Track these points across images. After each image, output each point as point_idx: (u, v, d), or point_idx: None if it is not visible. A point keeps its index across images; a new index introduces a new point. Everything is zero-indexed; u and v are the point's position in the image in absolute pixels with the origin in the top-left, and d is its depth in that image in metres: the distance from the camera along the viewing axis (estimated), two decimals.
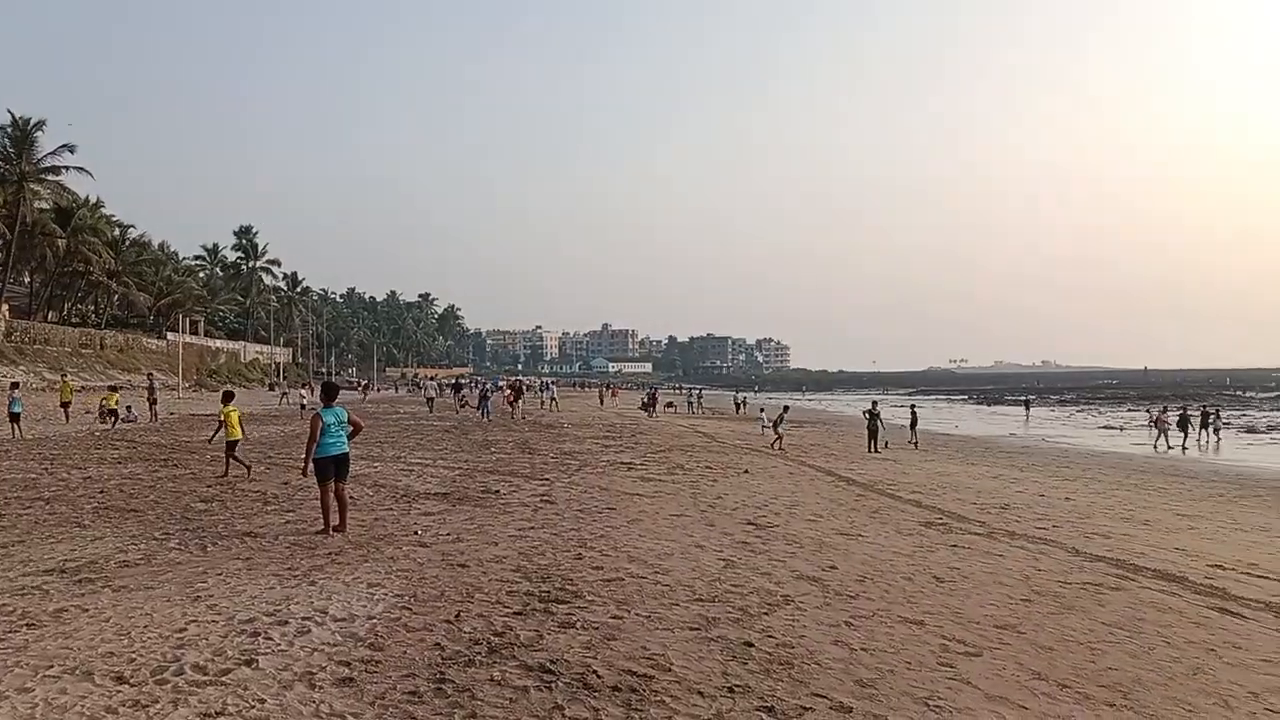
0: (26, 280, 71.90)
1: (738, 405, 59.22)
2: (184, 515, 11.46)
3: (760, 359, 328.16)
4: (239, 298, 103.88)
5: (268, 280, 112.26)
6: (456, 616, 6.73)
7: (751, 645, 6.24)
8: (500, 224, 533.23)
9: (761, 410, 40.91)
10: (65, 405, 31.77)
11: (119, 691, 5.08)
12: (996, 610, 7.61)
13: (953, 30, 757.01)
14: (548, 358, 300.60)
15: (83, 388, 43.36)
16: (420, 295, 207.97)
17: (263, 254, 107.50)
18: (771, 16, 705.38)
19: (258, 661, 5.60)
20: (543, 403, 52.00)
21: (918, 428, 31.57)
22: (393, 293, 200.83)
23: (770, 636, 6.49)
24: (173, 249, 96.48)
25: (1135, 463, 27.91)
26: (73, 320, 71.14)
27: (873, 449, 26.65)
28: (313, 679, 5.31)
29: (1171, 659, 6.42)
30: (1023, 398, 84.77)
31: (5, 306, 56.09)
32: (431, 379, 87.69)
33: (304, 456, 10.40)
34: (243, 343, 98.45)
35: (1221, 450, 34.41)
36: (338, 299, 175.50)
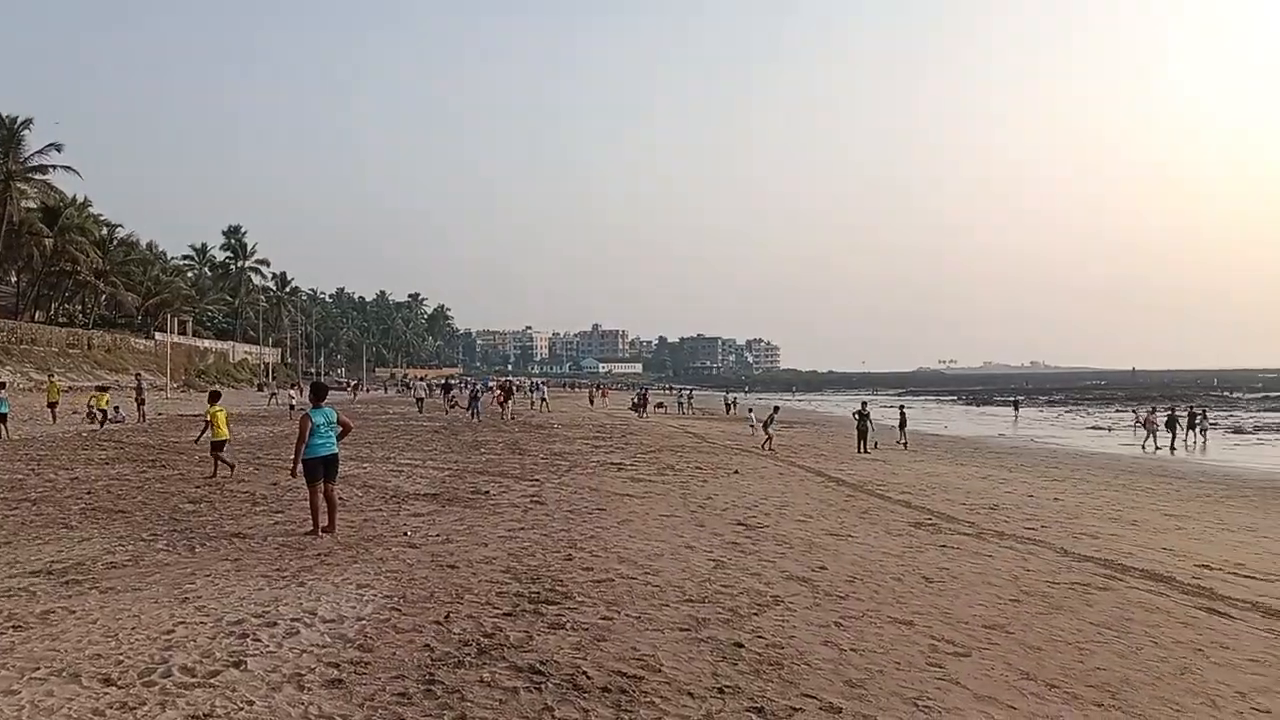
0: (13, 280, 71.52)
1: (728, 406, 59.34)
2: (172, 516, 11.40)
3: (750, 359, 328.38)
4: (228, 298, 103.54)
5: (256, 280, 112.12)
6: (446, 618, 6.72)
7: (741, 646, 6.25)
8: (490, 224, 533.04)
9: (750, 410, 40.94)
10: (52, 406, 31.61)
11: (106, 693, 5.05)
12: (985, 610, 7.64)
13: (939, 30, 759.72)
14: (538, 358, 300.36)
15: (70, 388, 43.15)
16: (410, 295, 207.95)
17: (252, 254, 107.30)
18: (764, 16, 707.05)
19: (246, 663, 5.57)
20: (532, 403, 51.94)
21: (907, 428, 31.64)
22: (382, 293, 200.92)
23: (760, 637, 6.50)
24: (161, 249, 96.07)
25: (1123, 463, 28.04)
26: (60, 320, 70.74)
27: (862, 449, 26.70)
28: (301, 680, 5.30)
29: (1159, 659, 6.45)
30: (1011, 398, 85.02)
31: None
32: (421, 379, 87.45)
33: (293, 457, 10.37)
34: (231, 343, 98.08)
35: (1208, 451, 34.60)
36: (327, 299, 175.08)
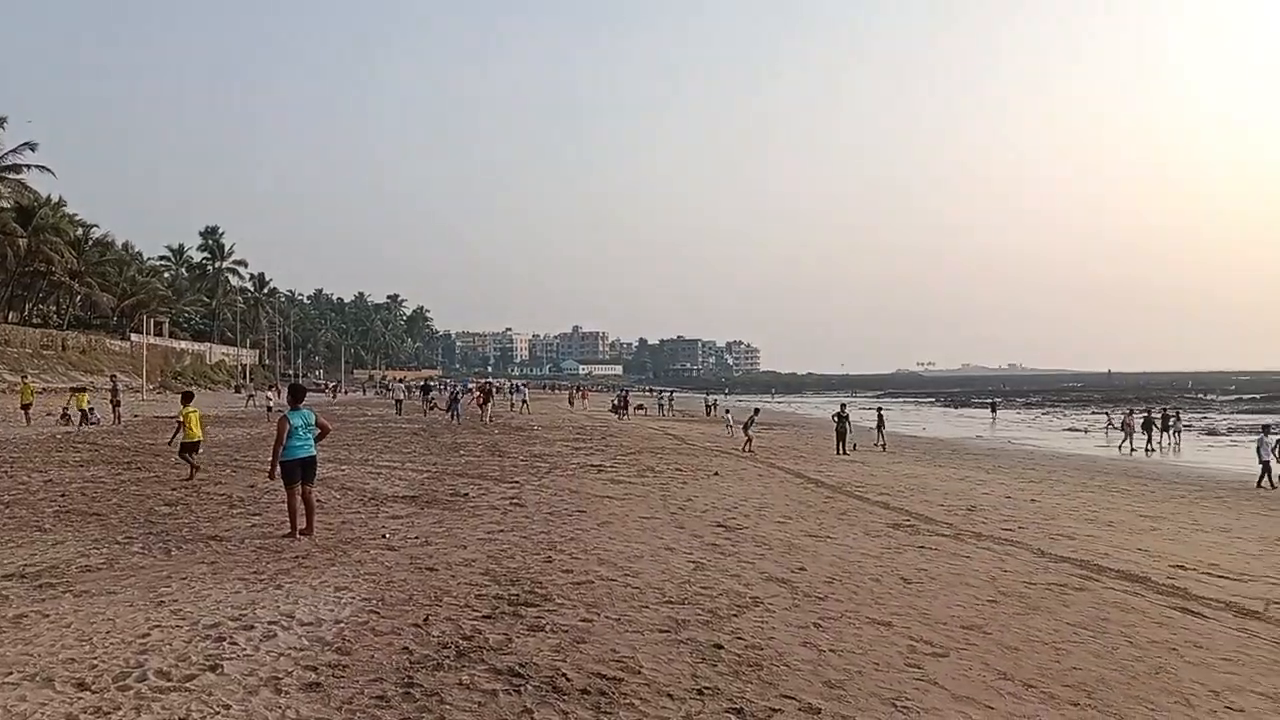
0: None
1: (708, 408, 59.40)
2: (148, 519, 11.31)
3: (730, 362, 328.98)
4: (205, 299, 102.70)
5: (234, 281, 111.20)
6: (425, 620, 6.69)
7: (721, 647, 6.25)
8: (470, 226, 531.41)
9: (727, 412, 41.09)
10: (26, 408, 31.28)
11: (80, 698, 5.00)
12: (963, 611, 7.68)
13: (924, 34, 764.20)
14: (517, 360, 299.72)
15: (44, 389, 42.71)
16: (389, 296, 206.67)
17: (229, 254, 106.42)
18: (759, 19, 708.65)
19: (223, 667, 5.53)
20: (512, 405, 51.84)
21: (885, 430, 31.80)
22: (360, 294, 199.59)
23: (739, 638, 6.51)
24: (137, 249, 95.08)
25: (1099, 465, 28.28)
26: (34, 321, 69.99)
27: (841, 451, 26.81)
28: (279, 684, 5.26)
29: (1134, 658, 6.50)
30: (989, 400, 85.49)
31: None
32: (400, 381, 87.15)
33: (271, 459, 10.31)
34: (208, 344, 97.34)
35: (1182, 452, 34.95)
36: (305, 300, 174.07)
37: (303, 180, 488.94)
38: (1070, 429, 52.00)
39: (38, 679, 5.27)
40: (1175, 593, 8.89)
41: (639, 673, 5.67)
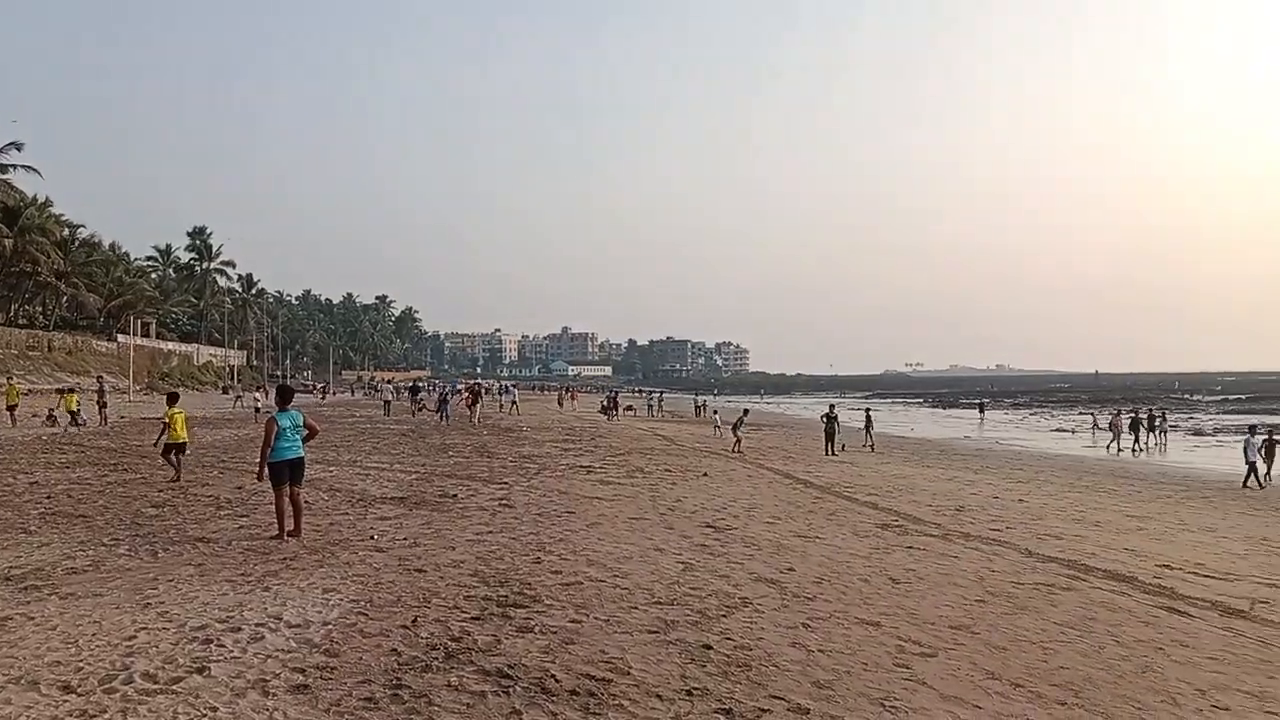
0: None
1: (698, 408, 59.42)
2: (134, 521, 11.25)
3: (719, 362, 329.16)
4: (192, 300, 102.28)
5: (222, 282, 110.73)
6: (413, 622, 6.68)
7: (710, 648, 6.26)
8: (460, 227, 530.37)
9: (715, 412, 41.17)
10: (11, 409, 31.06)
11: (66, 701, 4.97)
12: (951, 611, 7.71)
13: (907, 38, 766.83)
14: (507, 360, 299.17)
15: (30, 391, 42.43)
16: (377, 297, 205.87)
17: (217, 255, 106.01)
18: (753, 24, 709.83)
19: (210, 669, 5.51)
20: (500, 405, 51.77)
21: (873, 430, 31.88)
22: (349, 295, 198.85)
23: (728, 639, 6.51)
24: (124, 249, 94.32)
25: (1086, 465, 28.42)
26: (19, 322, 69.48)
27: (830, 452, 26.87)
28: (266, 686, 5.24)
29: (1121, 657, 6.54)
30: (977, 401, 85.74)
31: None
32: (388, 382, 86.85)
33: (258, 461, 10.28)
34: (196, 345, 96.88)
35: (1168, 452, 35.14)
36: (293, 301, 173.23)
37: (291, 181, 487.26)
38: (1058, 429, 52.26)
39: (23, 682, 5.24)
40: (1162, 592, 8.94)
41: (628, 673, 5.67)
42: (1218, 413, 69.71)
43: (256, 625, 6.48)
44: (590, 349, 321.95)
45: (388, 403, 48.02)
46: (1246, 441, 22.29)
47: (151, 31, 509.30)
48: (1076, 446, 38.50)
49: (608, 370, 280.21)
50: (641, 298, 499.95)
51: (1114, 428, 36.58)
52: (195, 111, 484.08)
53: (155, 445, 16.50)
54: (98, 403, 33.85)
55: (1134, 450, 34.34)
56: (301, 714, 4.86)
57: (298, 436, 10.24)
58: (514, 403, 51.43)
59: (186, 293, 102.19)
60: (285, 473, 10.03)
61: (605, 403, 52.97)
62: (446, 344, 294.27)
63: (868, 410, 34.71)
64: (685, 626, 6.81)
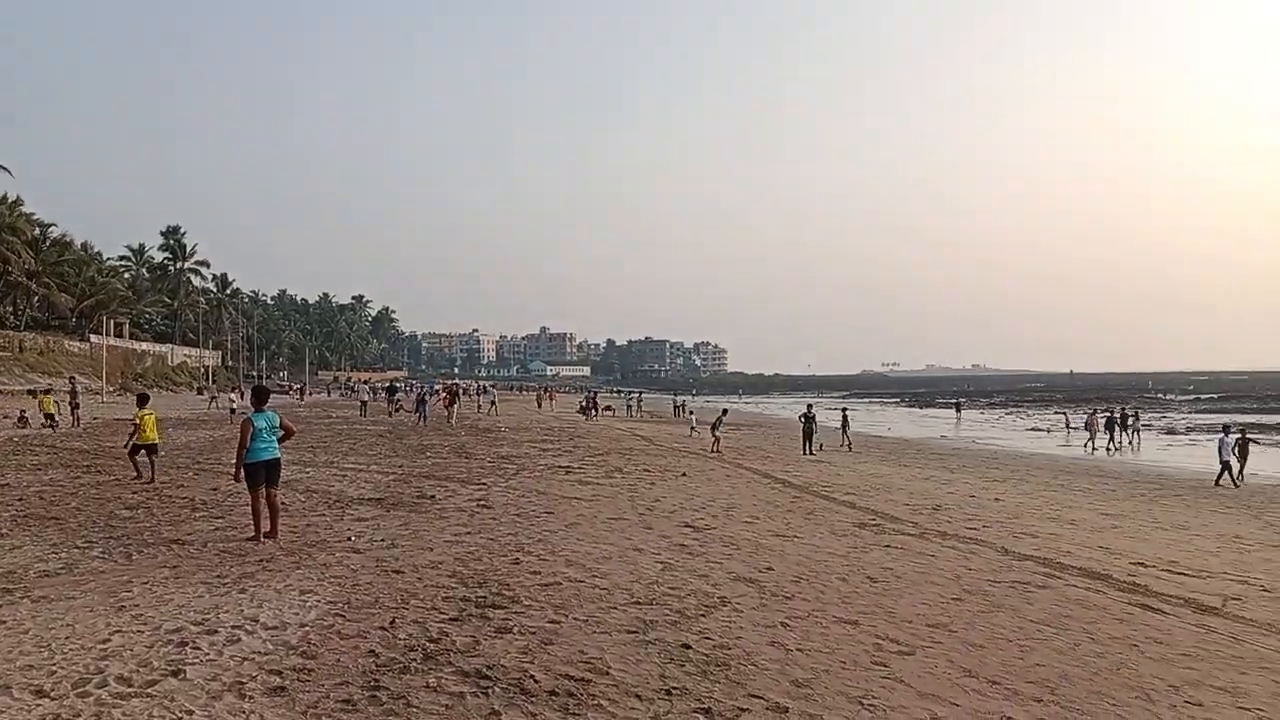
0: None
1: (677, 409, 59.48)
2: (108, 523, 11.14)
3: (698, 362, 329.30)
4: (166, 299, 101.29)
5: (196, 282, 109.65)
6: (391, 623, 6.65)
7: (689, 647, 6.27)
8: (435, 225, 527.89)
9: (691, 413, 41.25)
10: None
11: (38, 705, 4.91)
12: (928, 609, 7.75)
13: (892, 40, 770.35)
14: (485, 361, 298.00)
15: (0, 392, 41.93)
16: (354, 297, 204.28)
17: (191, 255, 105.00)
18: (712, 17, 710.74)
19: (185, 672, 5.46)
20: (479, 406, 51.63)
21: (850, 430, 32.01)
22: (325, 295, 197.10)
23: (707, 638, 6.52)
24: (96, 249, 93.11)
25: (1061, 464, 28.66)
26: None
27: (808, 451, 26.97)
28: (243, 689, 5.20)
29: (1096, 654, 6.59)
30: (953, 400, 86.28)
31: None
32: (365, 382, 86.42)
33: (234, 462, 10.21)
34: (170, 346, 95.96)
35: (1142, 451, 35.48)
36: (269, 301, 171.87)
37: (266, 180, 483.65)
38: (1033, 429, 52.65)
39: None
40: (1136, 590, 9.02)
41: (607, 674, 5.67)
42: (1190, 412, 70.53)
43: (232, 627, 6.42)
44: (569, 349, 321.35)
45: (364, 403, 47.77)
46: (1220, 441, 22.53)
47: (122, 27, 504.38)
48: (1051, 445, 38.82)
49: (586, 370, 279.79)
50: (620, 298, 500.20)
51: (1090, 427, 36.92)
52: (169, 109, 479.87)
53: (125, 446, 16.34)
54: (70, 404, 33.51)
55: (1109, 449, 34.67)
56: (279, 716, 4.82)
57: (274, 437, 10.17)
58: (493, 403, 51.34)
59: (160, 292, 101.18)
60: (261, 474, 9.96)
61: (584, 403, 53.02)
62: (424, 344, 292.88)
63: (844, 410, 34.89)
64: (664, 626, 6.82)
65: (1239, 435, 23.35)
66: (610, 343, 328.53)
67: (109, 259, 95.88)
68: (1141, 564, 10.54)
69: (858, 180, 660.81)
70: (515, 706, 5.07)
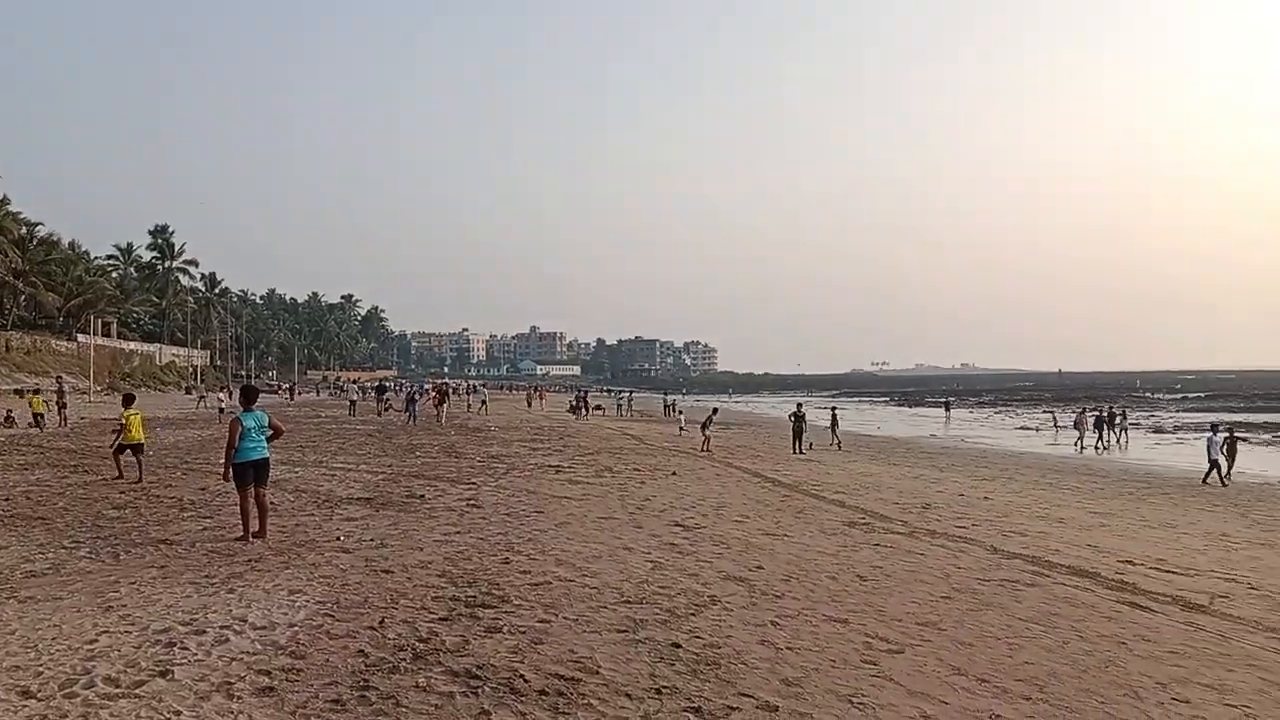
0: None
1: (667, 408, 59.48)
2: (95, 523, 11.08)
3: (688, 362, 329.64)
4: (154, 299, 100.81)
5: (185, 281, 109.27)
6: (381, 623, 6.63)
7: (679, 646, 6.27)
8: (426, 225, 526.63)
9: (680, 413, 41.30)
10: None
11: (25, 706, 4.89)
12: (918, 608, 7.77)
13: (877, 42, 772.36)
14: (474, 360, 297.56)
15: None
16: (343, 296, 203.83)
17: (179, 254, 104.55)
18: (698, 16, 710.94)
19: (173, 672, 5.44)
20: (469, 405, 51.54)
21: (839, 429, 32.06)
22: (314, 294, 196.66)
23: (697, 637, 6.52)
24: (83, 248, 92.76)
25: (1050, 462, 28.75)
26: None
27: (797, 450, 26.99)
28: (231, 689, 5.18)
29: (1085, 652, 6.62)
30: (942, 399, 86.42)
31: None
32: (354, 382, 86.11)
33: (223, 461, 10.17)
34: (158, 345, 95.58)
35: (1130, 450, 35.63)
36: (258, 300, 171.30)
37: (255, 179, 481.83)
38: (1022, 427, 52.82)
39: None
40: (1124, 588, 9.06)
41: (597, 673, 5.67)
42: (1177, 411, 70.79)
43: (221, 628, 6.40)
44: (559, 348, 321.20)
45: (353, 403, 47.64)
46: (1209, 440, 22.60)
47: (109, 25, 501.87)
48: (1040, 444, 38.95)
49: (576, 370, 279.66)
50: (610, 298, 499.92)
51: (1079, 426, 37.07)
52: (158, 108, 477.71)
53: (111, 446, 16.28)
54: (57, 404, 33.33)
55: (1097, 448, 34.81)
56: (267, 717, 4.81)
57: (262, 437, 10.14)
58: (484, 402, 51.26)
59: (148, 292, 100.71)
60: (250, 474, 9.93)
61: (574, 402, 52.93)
62: (413, 344, 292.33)
63: (833, 409, 34.92)
64: (654, 625, 6.82)
65: (1227, 434, 23.46)
66: (600, 342, 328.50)
67: (96, 258, 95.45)
68: (1129, 562, 10.58)
69: (852, 180, 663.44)
70: (505, 706, 5.06)
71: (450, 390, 51.09)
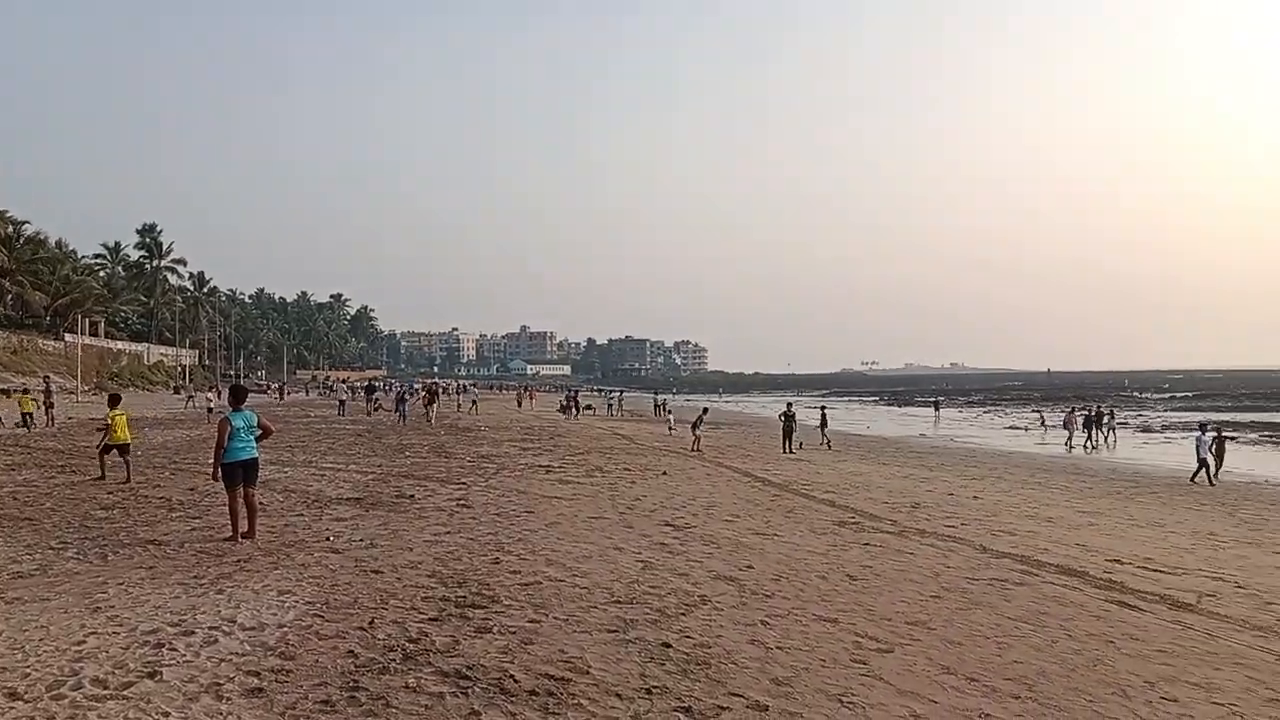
0: None
1: (657, 408, 59.50)
2: (83, 523, 11.03)
3: (678, 361, 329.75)
4: (142, 298, 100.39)
5: (173, 280, 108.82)
6: (370, 623, 6.62)
7: (669, 646, 6.27)
8: (416, 225, 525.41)
9: (670, 413, 41.35)
10: None
11: (12, 708, 4.86)
12: (907, 607, 7.79)
13: (871, 40, 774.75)
14: (464, 360, 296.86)
15: None
16: (332, 296, 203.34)
17: (168, 253, 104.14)
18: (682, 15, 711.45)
19: (162, 673, 5.41)
20: (459, 405, 51.46)
21: (829, 428, 32.10)
22: (303, 293, 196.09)
23: (688, 637, 6.53)
24: (71, 247, 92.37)
25: (1039, 462, 28.86)
26: None
27: (787, 450, 27.03)
28: (220, 690, 5.16)
29: (1073, 651, 6.65)
30: (932, 399, 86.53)
31: None
32: (344, 381, 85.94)
33: (212, 461, 10.13)
34: (146, 345, 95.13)
35: (1118, 449, 35.79)
36: (246, 300, 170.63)
37: (244, 178, 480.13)
38: (1011, 427, 53.02)
39: None
40: (1112, 587, 9.10)
41: (587, 673, 5.66)
42: (1165, 410, 71.15)
43: (210, 628, 6.38)
44: (549, 348, 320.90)
45: (343, 403, 47.52)
46: (1198, 439, 22.70)
47: (97, 24, 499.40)
48: (1029, 443, 39.10)
49: (567, 369, 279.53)
50: (600, 297, 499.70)
51: (1068, 425, 37.21)
52: (146, 106, 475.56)
53: (97, 446, 16.21)
54: (44, 403, 33.15)
55: (1086, 447, 34.94)
56: (256, 718, 4.79)
57: (251, 437, 10.10)
58: (474, 402, 51.21)
59: (136, 291, 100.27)
60: (239, 474, 9.89)
61: (564, 402, 52.93)
62: (403, 343, 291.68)
63: (823, 408, 34.99)
64: (644, 625, 6.82)
65: (1215, 434, 23.58)
66: (591, 342, 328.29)
67: (84, 257, 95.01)
68: (1118, 561, 10.63)
69: (841, 180, 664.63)
70: (495, 706, 5.06)
71: (440, 390, 51.03)
